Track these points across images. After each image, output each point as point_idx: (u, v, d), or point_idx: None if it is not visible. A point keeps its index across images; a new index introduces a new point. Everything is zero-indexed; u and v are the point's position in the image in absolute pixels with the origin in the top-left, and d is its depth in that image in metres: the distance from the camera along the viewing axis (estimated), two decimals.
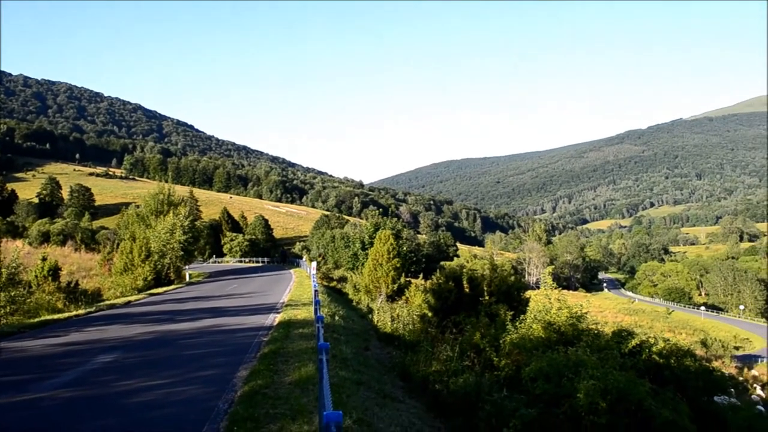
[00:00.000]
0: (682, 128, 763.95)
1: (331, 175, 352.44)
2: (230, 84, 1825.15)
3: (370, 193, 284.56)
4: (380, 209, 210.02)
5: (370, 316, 26.07)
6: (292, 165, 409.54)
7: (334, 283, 47.77)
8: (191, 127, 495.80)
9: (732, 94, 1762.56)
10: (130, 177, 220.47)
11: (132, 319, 19.46)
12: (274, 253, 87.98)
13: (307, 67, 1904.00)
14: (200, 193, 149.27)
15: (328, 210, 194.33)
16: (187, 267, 44.96)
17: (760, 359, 67.58)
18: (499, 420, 10.16)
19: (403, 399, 11.88)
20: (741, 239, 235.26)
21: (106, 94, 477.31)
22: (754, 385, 51.35)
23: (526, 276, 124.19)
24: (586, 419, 9.63)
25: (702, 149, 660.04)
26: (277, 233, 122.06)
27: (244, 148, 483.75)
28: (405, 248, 43.28)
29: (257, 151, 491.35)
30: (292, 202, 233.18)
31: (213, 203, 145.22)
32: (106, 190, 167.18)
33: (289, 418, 8.18)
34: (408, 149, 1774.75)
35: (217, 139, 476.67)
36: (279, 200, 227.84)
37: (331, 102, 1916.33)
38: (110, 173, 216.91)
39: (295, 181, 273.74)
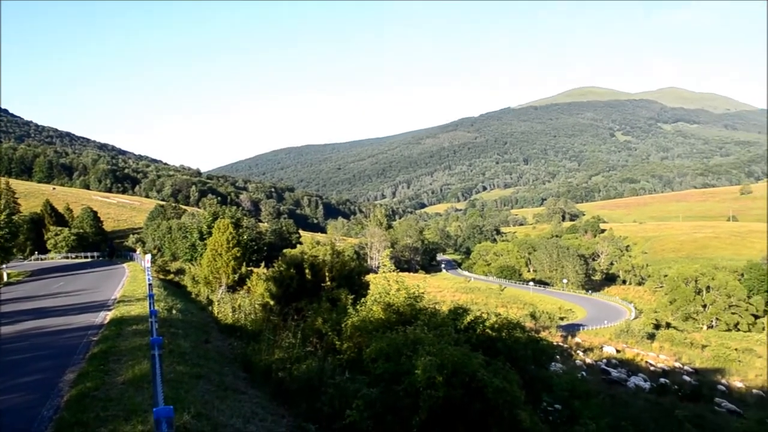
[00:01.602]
0: (511, 116, 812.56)
1: (166, 163, 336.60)
2: (49, 65, 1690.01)
3: (209, 181, 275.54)
4: (219, 198, 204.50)
5: (210, 308, 25.36)
6: (123, 153, 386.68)
7: (172, 276, 46.02)
8: (5, 111, 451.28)
9: (554, 85, 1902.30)
10: None
11: None
12: (105, 247, 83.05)
13: (134, 48, 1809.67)
14: (18, 185, 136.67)
15: (163, 200, 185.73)
16: (4, 266, 41.44)
17: (581, 327, 73.82)
18: (342, 402, 10.27)
19: (246, 390, 11.69)
20: (563, 219, 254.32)
21: None
22: (578, 351, 56.11)
23: (369, 260, 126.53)
24: (425, 393, 9.96)
25: (528, 136, 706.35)
26: (108, 226, 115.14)
27: (68, 134, 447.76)
28: (246, 237, 42.46)
29: (83, 137, 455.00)
30: (124, 192, 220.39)
31: (34, 195, 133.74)
32: None
33: (122, 419, 7.80)
34: (248, 136, 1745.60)
35: (36, 125, 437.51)
36: (109, 190, 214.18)
37: (164, 87, 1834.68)
38: None
39: (126, 170, 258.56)
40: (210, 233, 39.61)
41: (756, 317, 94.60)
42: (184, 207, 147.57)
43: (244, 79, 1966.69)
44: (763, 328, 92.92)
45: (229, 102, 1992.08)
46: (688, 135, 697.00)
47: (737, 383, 54.09)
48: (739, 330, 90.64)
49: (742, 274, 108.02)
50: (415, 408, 10.04)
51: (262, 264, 41.82)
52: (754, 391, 52.53)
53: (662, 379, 49.74)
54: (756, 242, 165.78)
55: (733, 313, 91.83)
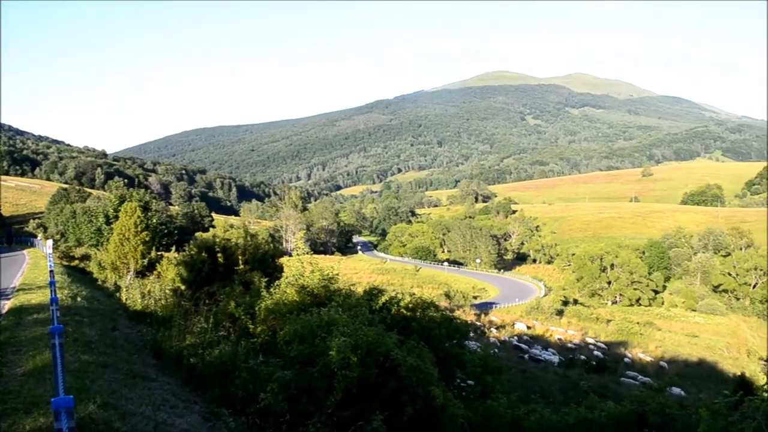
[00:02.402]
0: (425, 99, 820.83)
1: (69, 144, 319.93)
2: None
3: (115, 163, 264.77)
4: (126, 180, 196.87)
5: (117, 294, 24.48)
6: (21, 133, 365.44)
7: (77, 262, 44.18)
8: None
9: (469, 69, 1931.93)
10: None
11: None
12: (2, 233, 78.72)
13: (28, 21, 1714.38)
14: None
15: (66, 183, 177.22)
16: None
17: (494, 305, 75.85)
18: (256, 385, 10.18)
19: (156, 377, 11.40)
20: (476, 200, 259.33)
21: None
22: (491, 329, 57.66)
23: (284, 243, 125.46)
24: (339, 374, 10.01)
25: (442, 119, 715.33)
26: (6, 210, 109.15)
27: None
28: (155, 220, 41.08)
29: None
30: (23, 174, 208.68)
31: None
32: None
33: (21, 412, 7.42)
34: (156, 116, 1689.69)
35: None
36: (6, 173, 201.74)
37: (66, 62, 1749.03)
38: None
39: (25, 151, 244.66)
40: (117, 217, 38.14)
41: (656, 292, 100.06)
42: (88, 190, 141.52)
43: (151, 56, 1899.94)
44: (662, 303, 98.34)
45: (136, 80, 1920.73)
46: (594, 119, 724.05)
47: (639, 355, 57.14)
48: (640, 305, 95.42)
49: (644, 252, 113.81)
50: (330, 389, 10.07)
51: (173, 248, 40.58)
52: (657, 361, 55.77)
53: (570, 354, 51.94)
54: (656, 221, 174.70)
55: (635, 289, 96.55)
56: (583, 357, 50.53)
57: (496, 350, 44.48)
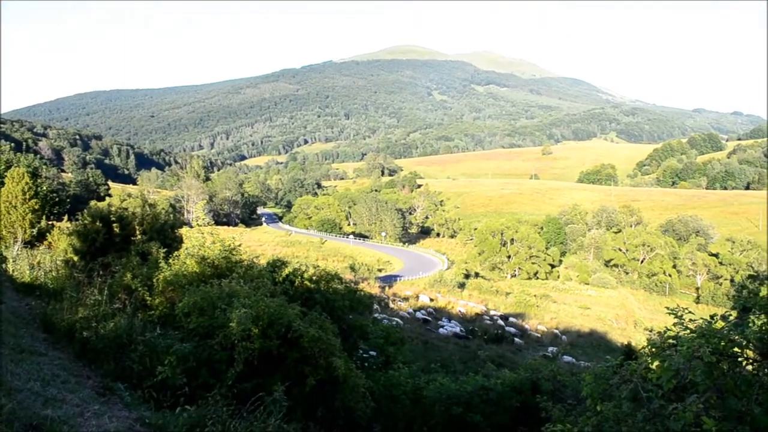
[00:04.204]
0: (333, 70, 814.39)
1: None
2: None
3: (1, 125, 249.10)
4: (14, 144, 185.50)
5: (3, 266, 23.14)
6: None
7: None
8: None
9: (377, 41, 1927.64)
10: None
11: None
12: None
13: None
14: None
15: None
16: None
17: (399, 278, 76.93)
18: (153, 359, 9.94)
19: (46, 352, 10.87)
20: (382, 174, 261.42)
21: None
22: (395, 301, 58.50)
23: (185, 214, 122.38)
24: (240, 346, 9.90)
25: (350, 91, 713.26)
26: None
27: None
28: (45, 188, 39.04)
29: None
30: None
31: None
32: None
33: None
34: (47, 76, 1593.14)
35: None
36: None
37: None
38: None
39: None
40: (2, 183, 35.99)
41: (552, 266, 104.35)
42: None
43: (38, 6, 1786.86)
44: (558, 276, 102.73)
45: (23, 34, 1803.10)
46: (498, 97, 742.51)
47: (537, 325, 59.69)
48: (538, 278, 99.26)
49: (542, 228, 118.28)
50: (230, 361, 9.95)
51: (66, 218, 38.79)
52: (552, 330, 58.43)
53: (470, 325, 53.53)
54: (554, 198, 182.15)
55: (533, 263, 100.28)
56: (482, 328, 52.18)
57: (397, 320, 45.20)
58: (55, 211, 48.84)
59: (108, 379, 9.79)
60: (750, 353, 6.43)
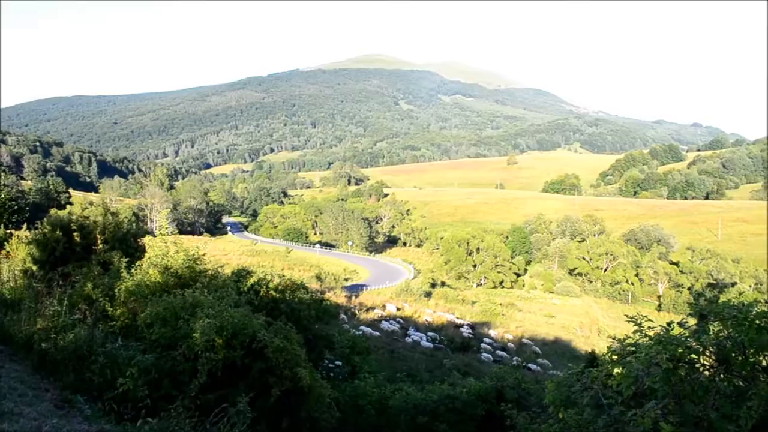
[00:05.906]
0: (299, 78, 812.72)
1: None
2: None
3: None
4: None
5: None
6: None
7: None
8: None
9: (344, 50, 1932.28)
10: None
11: None
12: None
13: None
14: None
15: None
16: None
17: (365, 287, 76.80)
18: (114, 370, 9.77)
19: (3, 364, 10.62)
20: (349, 183, 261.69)
21: None
22: (361, 310, 58.36)
23: (149, 223, 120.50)
24: (204, 357, 9.80)
25: (317, 99, 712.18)
26: None
27: None
28: (4, 196, 38.15)
29: None
30: None
31: None
32: None
33: None
34: (5, 81, 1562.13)
35: None
36: None
37: None
38: None
39: None
40: None
41: (518, 275, 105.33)
42: None
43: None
44: (523, 285, 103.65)
45: None
46: (464, 107, 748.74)
47: (503, 334, 60.10)
48: (503, 287, 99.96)
49: (507, 237, 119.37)
50: (193, 372, 9.84)
51: (24, 226, 37.95)
52: (518, 338, 58.85)
53: (436, 334, 53.68)
54: (519, 208, 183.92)
55: (498, 272, 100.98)
56: (448, 337, 52.36)
57: (363, 329, 45.15)
58: (14, 220, 47.70)
59: (67, 392, 9.61)
60: (706, 360, 6.58)
